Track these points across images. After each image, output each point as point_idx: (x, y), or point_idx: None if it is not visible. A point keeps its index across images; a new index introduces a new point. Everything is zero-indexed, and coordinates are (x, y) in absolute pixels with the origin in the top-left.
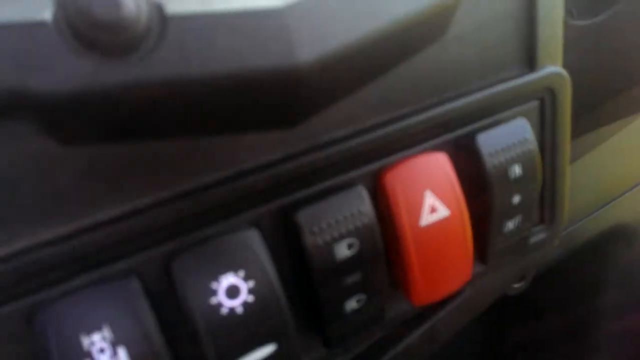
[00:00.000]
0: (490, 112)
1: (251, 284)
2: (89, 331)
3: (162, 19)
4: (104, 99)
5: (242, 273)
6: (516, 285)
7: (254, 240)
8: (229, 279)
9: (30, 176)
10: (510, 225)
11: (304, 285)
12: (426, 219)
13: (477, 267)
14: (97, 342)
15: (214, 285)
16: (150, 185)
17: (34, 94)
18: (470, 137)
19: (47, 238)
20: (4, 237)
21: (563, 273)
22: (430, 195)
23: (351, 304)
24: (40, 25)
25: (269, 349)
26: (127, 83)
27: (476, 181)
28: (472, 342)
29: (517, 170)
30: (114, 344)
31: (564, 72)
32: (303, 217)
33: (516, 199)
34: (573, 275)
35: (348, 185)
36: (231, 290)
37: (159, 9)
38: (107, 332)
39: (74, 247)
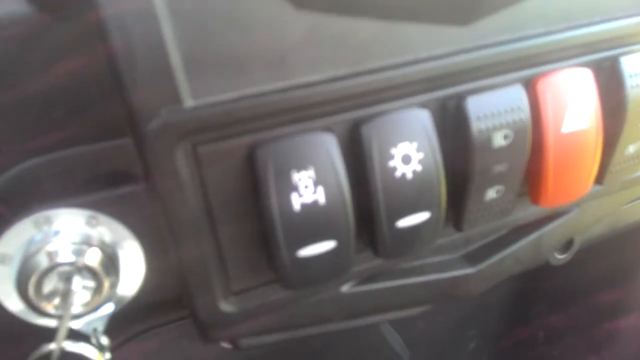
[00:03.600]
0: (629, 42)
1: (421, 155)
2: (299, 168)
3: None
4: None
5: (415, 145)
6: (560, 257)
7: (425, 119)
8: (405, 148)
9: (267, 33)
10: (631, 149)
11: (452, 170)
12: (568, 126)
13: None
14: (304, 178)
15: (392, 150)
16: (350, 58)
17: None
18: (615, 58)
19: (269, 89)
20: (240, 80)
21: (605, 252)
22: (575, 105)
23: (491, 193)
24: None
25: (424, 215)
26: None
27: (613, 101)
28: (499, 326)
29: None
30: (315, 183)
31: None
32: (471, 104)
33: None
34: (614, 257)
35: (509, 84)
36: (405, 158)
37: None
38: (312, 172)
39: (288, 99)
